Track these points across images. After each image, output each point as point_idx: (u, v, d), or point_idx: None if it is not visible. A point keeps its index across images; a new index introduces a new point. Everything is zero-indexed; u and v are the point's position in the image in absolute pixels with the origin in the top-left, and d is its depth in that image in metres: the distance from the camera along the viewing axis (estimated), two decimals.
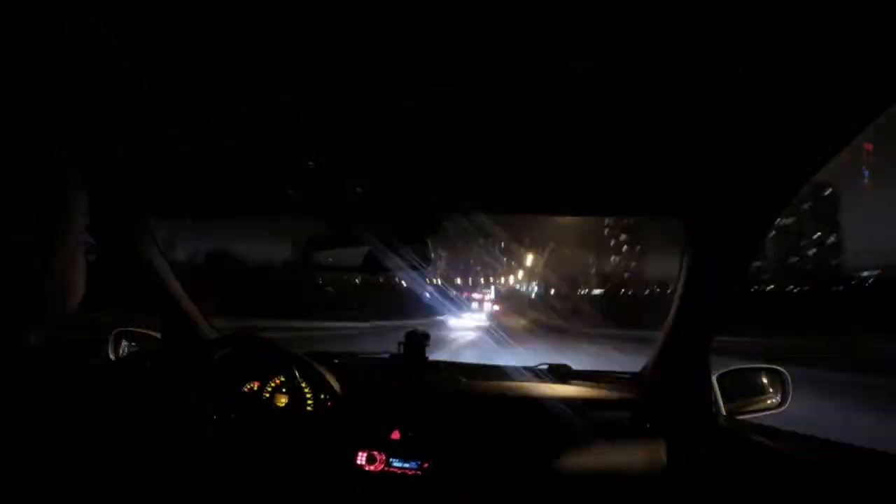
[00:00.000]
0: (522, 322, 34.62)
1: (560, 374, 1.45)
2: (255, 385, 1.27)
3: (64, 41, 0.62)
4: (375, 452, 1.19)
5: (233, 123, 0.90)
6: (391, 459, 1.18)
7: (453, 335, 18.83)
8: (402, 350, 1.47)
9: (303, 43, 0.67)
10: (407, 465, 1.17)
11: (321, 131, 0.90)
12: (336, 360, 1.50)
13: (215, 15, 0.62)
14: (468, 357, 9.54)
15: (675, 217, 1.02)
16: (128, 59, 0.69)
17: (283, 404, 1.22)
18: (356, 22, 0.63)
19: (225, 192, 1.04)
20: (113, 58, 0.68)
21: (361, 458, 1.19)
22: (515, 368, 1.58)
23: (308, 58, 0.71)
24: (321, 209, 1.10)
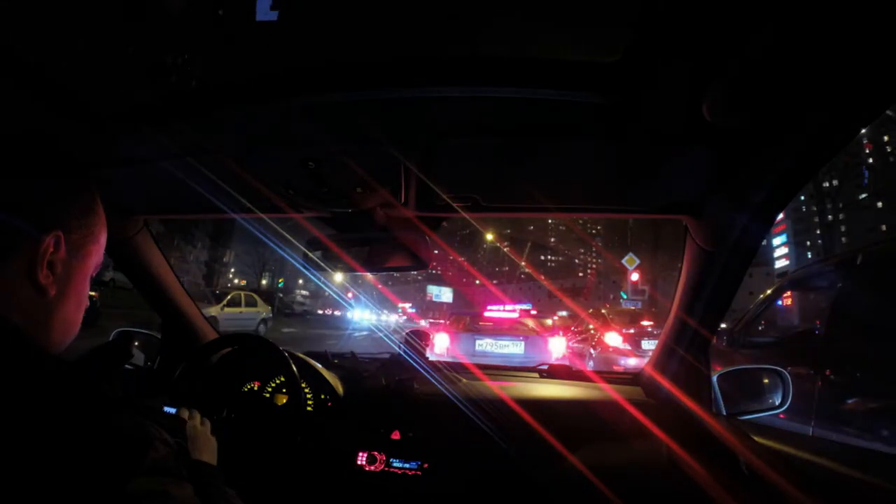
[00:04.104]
0: None
1: (560, 374, 1.45)
2: (255, 385, 1.27)
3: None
4: (375, 452, 1.19)
5: (234, 124, 0.90)
6: (391, 459, 1.18)
7: None
8: (402, 350, 1.47)
9: (303, 43, 0.67)
10: (407, 466, 1.17)
11: (321, 133, 0.90)
12: (336, 360, 1.50)
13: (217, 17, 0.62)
14: None
15: (676, 217, 1.02)
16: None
17: (283, 404, 1.22)
18: (358, 25, 0.63)
19: (225, 193, 1.04)
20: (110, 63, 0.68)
21: (361, 458, 1.19)
22: (516, 368, 1.59)
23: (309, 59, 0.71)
24: (321, 209, 1.10)
